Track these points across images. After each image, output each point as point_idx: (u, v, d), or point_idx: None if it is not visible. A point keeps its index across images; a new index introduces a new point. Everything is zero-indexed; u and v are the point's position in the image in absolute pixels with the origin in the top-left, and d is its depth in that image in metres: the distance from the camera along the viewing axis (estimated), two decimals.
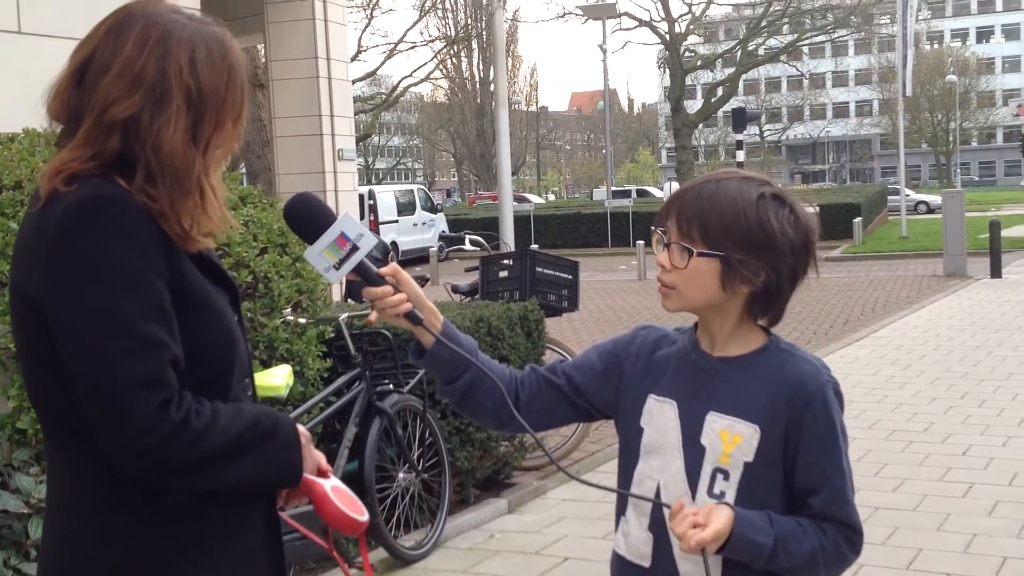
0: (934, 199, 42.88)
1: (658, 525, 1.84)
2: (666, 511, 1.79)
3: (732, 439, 1.80)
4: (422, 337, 1.88)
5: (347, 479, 4.85)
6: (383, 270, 1.82)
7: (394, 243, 26.97)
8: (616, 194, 41.78)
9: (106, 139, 1.65)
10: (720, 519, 1.71)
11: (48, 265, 1.61)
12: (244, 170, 13.19)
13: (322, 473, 1.88)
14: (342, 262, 1.79)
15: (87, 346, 1.58)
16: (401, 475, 5.15)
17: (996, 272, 17.18)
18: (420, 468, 5.25)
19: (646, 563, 1.87)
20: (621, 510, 1.94)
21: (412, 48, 58.36)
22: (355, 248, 1.79)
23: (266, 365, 4.53)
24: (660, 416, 1.87)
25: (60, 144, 1.70)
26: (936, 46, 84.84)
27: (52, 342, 1.64)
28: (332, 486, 1.87)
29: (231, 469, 1.66)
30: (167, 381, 1.60)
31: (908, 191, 39.32)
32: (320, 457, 1.94)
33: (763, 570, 1.79)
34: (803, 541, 1.77)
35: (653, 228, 1.87)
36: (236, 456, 1.66)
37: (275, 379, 4.26)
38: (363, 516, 1.87)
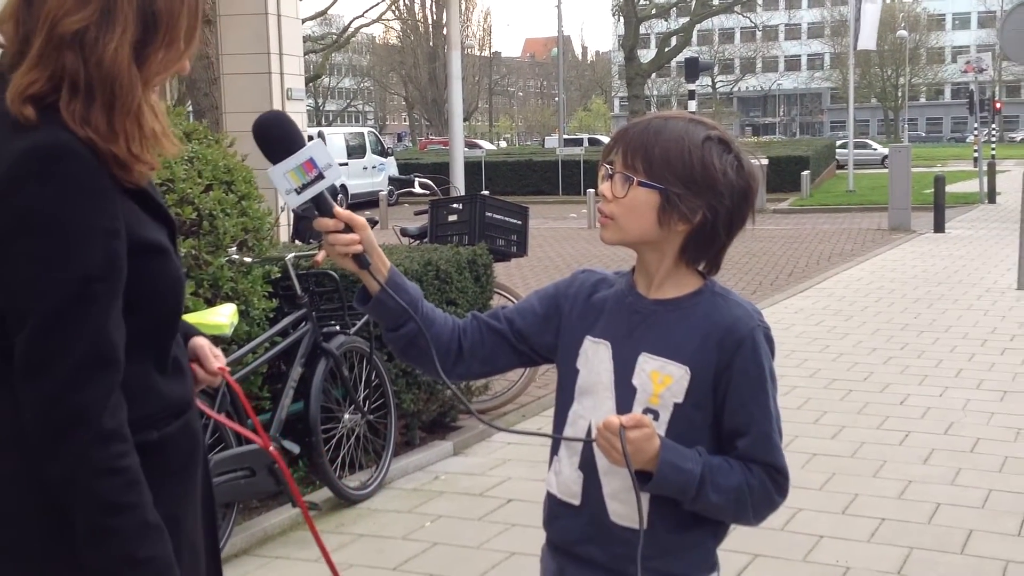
0: (882, 151, 43.40)
1: (588, 464, 1.85)
2: (596, 449, 1.80)
3: (663, 380, 1.81)
4: (368, 283, 1.86)
5: (292, 419, 4.85)
6: (338, 213, 1.79)
7: (344, 186, 26.71)
8: (568, 142, 41.74)
9: (59, 55, 1.58)
10: (646, 420, 1.73)
11: None
12: (191, 108, 12.93)
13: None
14: (304, 187, 1.75)
15: (33, 309, 1.53)
16: (347, 416, 5.15)
17: (940, 227, 17.46)
18: (366, 409, 5.25)
19: (576, 501, 1.88)
20: (554, 450, 1.95)
21: None
22: (320, 176, 1.75)
23: (210, 304, 4.48)
24: (595, 357, 1.88)
25: (13, 67, 1.62)
26: (888, 1, 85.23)
27: None
28: None
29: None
30: (115, 366, 1.56)
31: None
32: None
33: (691, 510, 1.80)
34: (730, 475, 1.78)
35: (599, 162, 1.87)
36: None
37: (219, 318, 4.20)
38: None
